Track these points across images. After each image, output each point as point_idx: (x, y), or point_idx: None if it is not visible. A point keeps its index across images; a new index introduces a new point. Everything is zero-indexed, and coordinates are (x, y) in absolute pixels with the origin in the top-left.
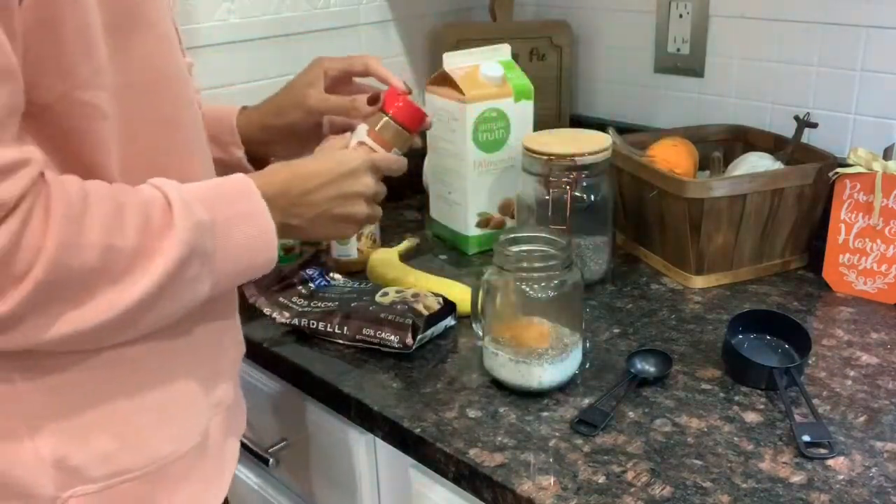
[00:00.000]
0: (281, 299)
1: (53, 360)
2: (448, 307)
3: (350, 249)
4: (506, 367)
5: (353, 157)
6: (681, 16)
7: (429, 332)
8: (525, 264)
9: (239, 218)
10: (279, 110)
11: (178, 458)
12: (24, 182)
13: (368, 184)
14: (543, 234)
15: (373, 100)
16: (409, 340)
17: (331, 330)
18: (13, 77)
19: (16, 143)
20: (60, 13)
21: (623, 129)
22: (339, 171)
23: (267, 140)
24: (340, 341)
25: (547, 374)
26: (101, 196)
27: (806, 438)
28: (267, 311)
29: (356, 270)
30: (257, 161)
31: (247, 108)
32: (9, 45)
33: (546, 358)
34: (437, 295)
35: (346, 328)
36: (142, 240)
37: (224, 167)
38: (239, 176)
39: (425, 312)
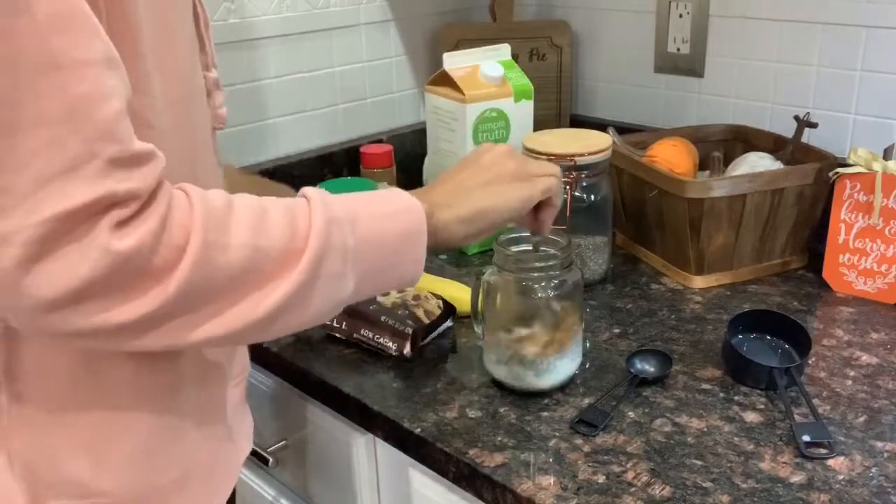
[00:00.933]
0: None
1: (38, 380)
2: (447, 311)
3: None
4: (506, 367)
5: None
6: (681, 16)
7: (427, 339)
8: (525, 264)
9: (384, 215)
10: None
11: (157, 487)
12: (155, 176)
13: (506, 149)
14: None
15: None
16: (407, 350)
17: (328, 322)
18: (119, 64)
19: (134, 137)
20: (115, 13)
21: (623, 129)
22: (473, 155)
23: None
24: (337, 335)
25: (547, 374)
26: (246, 201)
27: (806, 438)
28: None
29: None
30: None
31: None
32: (105, 38)
33: (546, 358)
34: (437, 297)
35: (343, 323)
36: (288, 241)
37: None
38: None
39: (425, 320)
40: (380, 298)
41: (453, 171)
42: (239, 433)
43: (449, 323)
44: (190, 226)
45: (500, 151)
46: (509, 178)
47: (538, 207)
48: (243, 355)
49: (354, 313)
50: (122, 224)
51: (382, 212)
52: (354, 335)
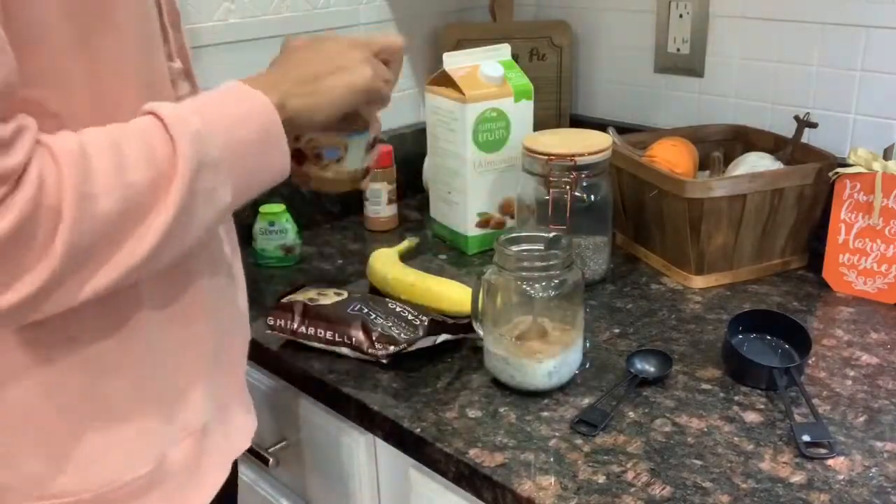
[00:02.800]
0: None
1: None
2: (432, 329)
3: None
4: (506, 367)
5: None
6: (681, 16)
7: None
8: (525, 264)
9: (239, 118)
10: None
11: (122, 484)
12: (27, 148)
13: (362, 50)
14: (543, 234)
15: (293, 155)
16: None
17: (311, 332)
18: (3, 51)
19: (11, 117)
20: (11, 3)
21: (623, 129)
22: (327, 42)
23: None
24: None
25: (547, 374)
26: (98, 141)
27: (806, 438)
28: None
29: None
30: None
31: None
32: None
33: (546, 358)
34: (427, 313)
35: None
36: (154, 172)
37: None
38: (230, 81)
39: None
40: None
41: (298, 54)
42: (234, 427)
43: (432, 341)
44: (59, 184)
45: (350, 42)
46: (357, 68)
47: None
48: (238, 342)
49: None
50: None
51: (237, 115)
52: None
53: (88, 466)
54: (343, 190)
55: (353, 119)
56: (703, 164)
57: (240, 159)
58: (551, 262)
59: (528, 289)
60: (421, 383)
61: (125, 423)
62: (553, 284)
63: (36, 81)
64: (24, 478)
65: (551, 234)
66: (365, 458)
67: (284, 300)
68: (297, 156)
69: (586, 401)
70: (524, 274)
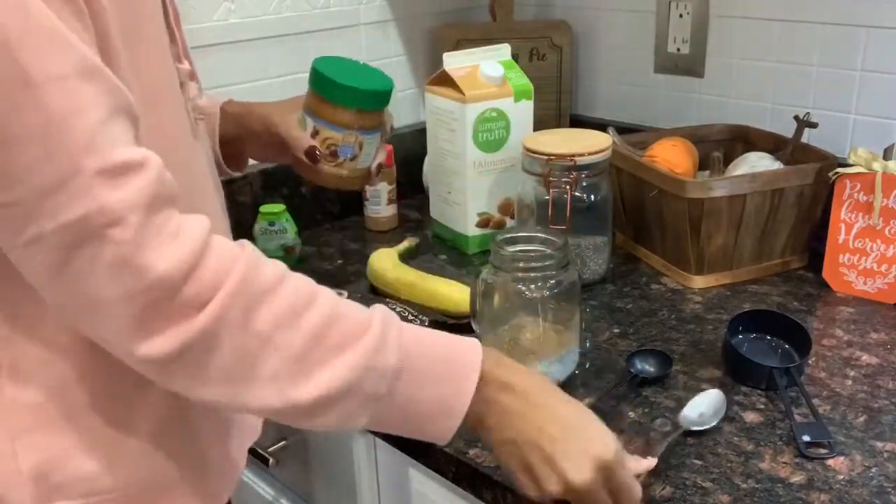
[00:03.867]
0: None
1: (43, 379)
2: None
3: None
4: None
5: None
6: (681, 16)
7: None
8: (521, 264)
9: (434, 380)
10: (250, 109)
11: (162, 478)
12: (144, 185)
13: (614, 460)
14: (540, 234)
15: (308, 153)
16: None
17: None
18: (100, 73)
19: (127, 145)
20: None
21: (623, 129)
22: (589, 420)
23: (238, 134)
24: None
25: (545, 373)
26: (298, 283)
27: (806, 438)
28: None
29: (359, 187)
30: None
31: (230, 102)
32: (86, 46)
33: (544, 358)
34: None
35: None
36: (312, 345)
37: None
38: (473, 342)
39: None
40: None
41: (558, 397)
42: (249, 421)
43: None
44: (223, 280)
45: (606, 447)
46: (553, 470)
47: None
48: None
49: None
50: (157, 238)
51: (439, 372)
52: None
53: (133, 465)
54: (356, 187)
55: (371, 118)
56: (703, 164)
57: (400, 412)
58: (547, 263)
59: (524, 289)
60: None
61: (171, 417)
62: (549, 285)
63: None
64: (75, 475)
65: (548, 235)
66: (365, 458)
67: None
68: (311, 153)
69: (586, 401)
70: (520, 274)
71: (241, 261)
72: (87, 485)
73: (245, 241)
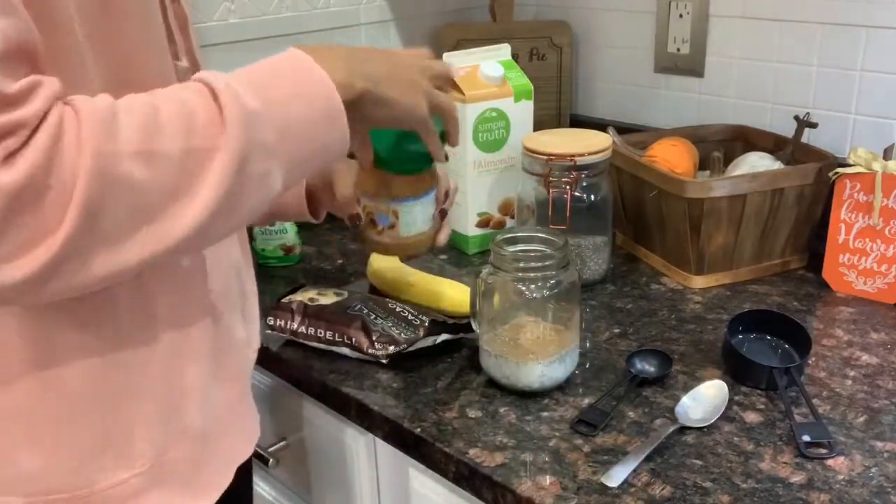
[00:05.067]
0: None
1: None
2: (431, 329)
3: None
4: (503, 367)
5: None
6: (681, 16)
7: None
8: (521, 264)
9: (298, 95)
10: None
11: (117, 483)
12: (42, 101)
13: (429, 64)
14: (540, 234)
15: (351, 219)
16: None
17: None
18: (13, 12)
19: (26, 75)
20: None
21: (623, 129)
22: (393, 53)
23: (317, 185)
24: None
25: (544, 373)
26: (132, 103)
27: (806, 438)
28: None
29: (412, 255)
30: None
31: None
32: None
33: (543, 358)
34: (427, 314)
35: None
36: (189, 142)
37: None
38: (291, 50)
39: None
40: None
41: (370, 51)
42: (237, 433)
43: (432, 341)
44: (79, 140)
45: (421, 65)
46: (419, 88)
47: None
48: (245, 351)
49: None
50: (10, 156)
51: (296, 92)
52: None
53: (81, 465)
54: (409, 255)
55: (399, 185)
56: (703, 164)
57: (296, 143)
58: (547, 263)
59: (524, 289)
60: (421, 383)
61: (122, 420)
62: (549, 285)
63: (50, 67)
64: (20, 472)
65: (548, 235)
66: (365, 458)
67: (284, 300)
68: (352, 220)
69: (586, 401)
70: (520, 274)
71: (82, 116)
72: (33, 484)
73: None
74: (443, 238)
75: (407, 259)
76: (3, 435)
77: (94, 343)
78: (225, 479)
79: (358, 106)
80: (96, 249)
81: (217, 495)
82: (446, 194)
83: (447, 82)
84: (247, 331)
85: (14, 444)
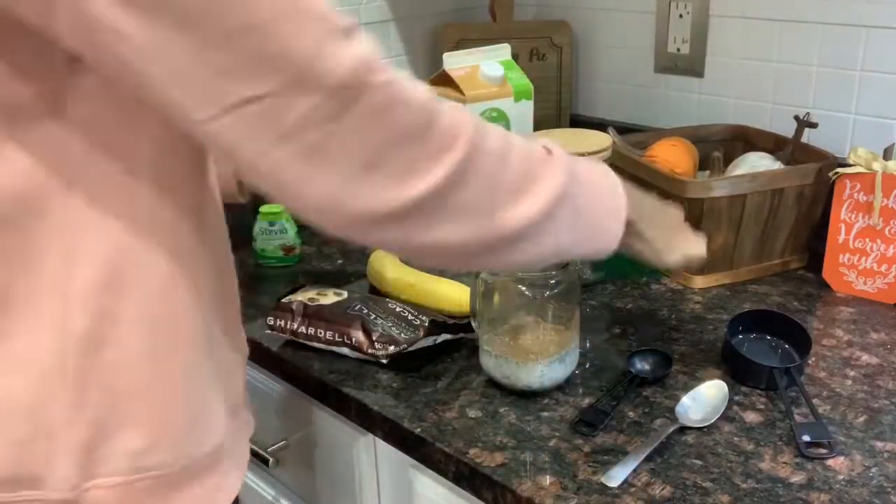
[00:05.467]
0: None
1: (109, 355)
2: (431, 330)
3: None
4: (503, 367)
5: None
6: (681, 16)
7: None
8: None
9: (602, 190)
10: None
11: (199, 457)
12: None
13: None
14: None
15: None
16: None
17: (313, 333)
18: None
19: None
20: None
21: (623, 129)
22: (661, 204)
23: None
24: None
25: (544, 373)
26: (492, 126)
27: (806, 438)
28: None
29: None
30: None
31: None
32: None
33: (543, 358)
34: (426, 314)
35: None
36: (526, 165)
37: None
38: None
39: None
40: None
41: (647, 196)
42: (247, 407)
43: (432, 341)
44: (459, 118)
45: (679, 218)
46: (680, 242)
47: None
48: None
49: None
50: (398, 93)
51: (601, 179)
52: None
53: (177, 442)
54: None
55: None
56: (703, 164)
57: (591, 220)
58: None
59: (524, 289)
60: (421, 383)
61: (205, 398)
62: (549, 285)
63: None
64: (122, 451)
65: None
66: (365, 457)
67: (284, 300)
68: None
69: (586, 401)
70: (520, 274)
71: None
72: (133, 461)
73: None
74: None
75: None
76: (112, 417)
77: (188, 326)
78: (247, 453)
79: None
80: (445, 212)
81: (246, 469)
82: None
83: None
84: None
85: (122, 424)
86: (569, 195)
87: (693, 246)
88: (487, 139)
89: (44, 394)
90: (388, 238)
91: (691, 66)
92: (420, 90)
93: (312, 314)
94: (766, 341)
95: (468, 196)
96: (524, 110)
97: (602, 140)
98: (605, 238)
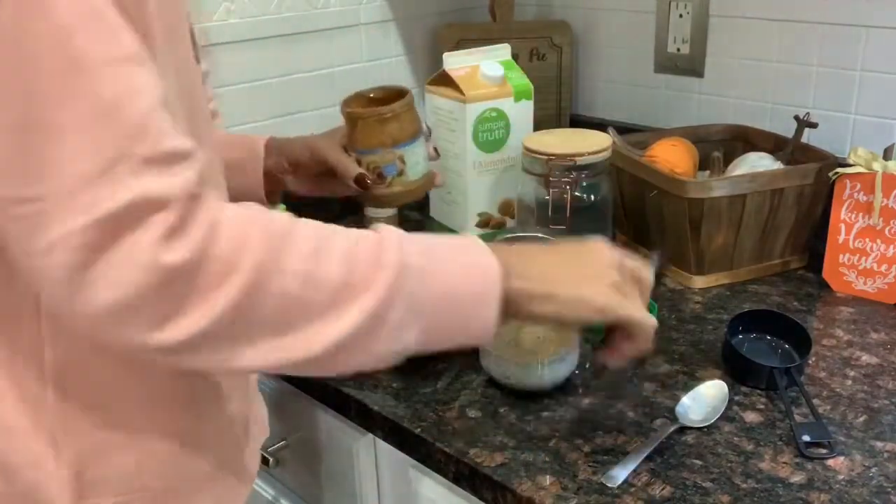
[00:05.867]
0: None
1: (88, 380)
2: None
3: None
4: (504, 367)
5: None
6: (681, 16)
7: None
8: None
9: (457, 275)
10: (291, 143)
11: (195, 478)
12: (196, 172)
13: (614, 259)
14: (540, 234)
15: (357, 181)
16: None
17: None
18: (147, 60)
19: (175, 134)
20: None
21: (623, 129)
22: (576, 247)
23: (279, 166)
24: None
25: (544, 373)
26: (309, 227)
27: (806, 438)
28: None
29: (420, 198)
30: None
31: (273, 138)
32: (133, 34)
33: (544, 358)
34: None
35: None
36: (347, 275)
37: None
38: (466, 235)
39: None
40: None
41: (548, 248)
42: (258, 416)
43: None
44: (244, 243)
45: (608, 257)
46: (602, 283)
47: (619, 335)
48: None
49: None
50: (169, 235)
51: (459, 266)
52: None
53: (169, 464)
54: (417, 199)
55: (399, 129)
56: (703, 164)
57: (443, 312)
58: None
59: None
60: (421, 383)
61: (207, 425)
62: None
63: None
64: (113, 472)
65: (548, 235)
66: (365, 458)
67: None
68: (360, 181)
69: (586, 401)
70: None
71: (255, 221)
72: (124, 483)
73: (250, 203)
74: (440, 178)
75: (412, 201)
76: (102, 438)
77: (179, 401)
78: (256, 464)
79: (513, 301)
80: (231, 342)
81: (253, 481)
82: (429, 130)
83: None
84: None
85: (111, 446)
86: (399, 297)
87: (631, 306)
88: (286, 258)
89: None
90: (194, 365)
91: (691, 66)
92: (207, 229)
93: None
94: (766, 341)
95: (258, 325)
96: (524, 110)
97: (602, 140)
98: (474, 326)
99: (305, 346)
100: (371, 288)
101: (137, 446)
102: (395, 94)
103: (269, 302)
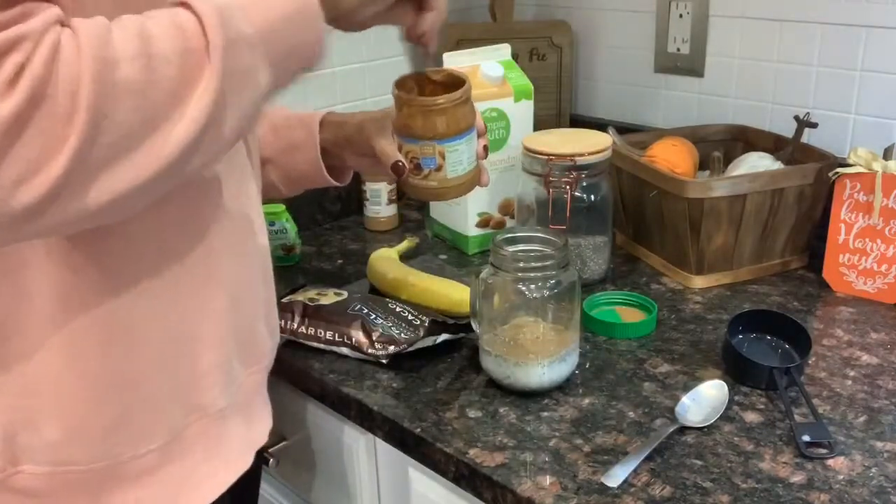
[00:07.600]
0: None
1: (16, 345)
2: (432, 329)
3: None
4: (503, 367)
5: None
6: (681, 16)
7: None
8: (521, 264)
9: (275, 8)
10: (349, 117)
11: (131, 458)
12: (42, 21)
13: None
14: (540, 234)
15: (394, 168)
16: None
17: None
18: None
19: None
20: None
21: (623, 129)
22: None
23: (337, 142)
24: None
25: (545, 373)
26: (123, 19)
27: (806, 438)
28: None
29: (458, 196)
30: (333, 168)
31: (331, 113)
32: None
33: (543, 358)
34: (428, 314)
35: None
36: (182, 41)
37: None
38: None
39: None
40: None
41: None
42: (255, 419)
43: (432, 341)
44: (78, 51)
45: None
46: None
47: (421, 6)
48: (262, 342)
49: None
50: (17, 74)
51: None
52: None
53: (102, 437)
54: (455, 197)
55: (444, 123)
56: (703, 164)
57: (275, 36)
58: (547, 263)
59: (524, 289)
60: (421, 383)
61: (140, 398)
62: (549, 285)
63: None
64: (41, 441)
65: (548, 235)
66: (365, 458)
67: (284, 300)
68: (396, 168)
69: (586, 401)
70: (520, 274)
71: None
72: (53, 453)
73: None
74: (486, 178)
75: (451, 198)
76: (29, 406)
77: (114, 326)
78: (244, 462)
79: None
80: (99, 166)
81: (237, 475)
82: (484, 126)
83: None
84: (268, 327)
85: (38, 415)
86: (236, 48)
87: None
88: (117, 68)
89: None
90: (55, 220)
91: (691, 66)
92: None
93: (312, 314)
94: (766, 341)
95: (108, 149)
96: (524, 110)
97: (602, 140)
98: (309, 39)
99: (176, 133)
100: (206, 44)
101: (65, 418)
102: (455, 83)
103: (121, 96)
